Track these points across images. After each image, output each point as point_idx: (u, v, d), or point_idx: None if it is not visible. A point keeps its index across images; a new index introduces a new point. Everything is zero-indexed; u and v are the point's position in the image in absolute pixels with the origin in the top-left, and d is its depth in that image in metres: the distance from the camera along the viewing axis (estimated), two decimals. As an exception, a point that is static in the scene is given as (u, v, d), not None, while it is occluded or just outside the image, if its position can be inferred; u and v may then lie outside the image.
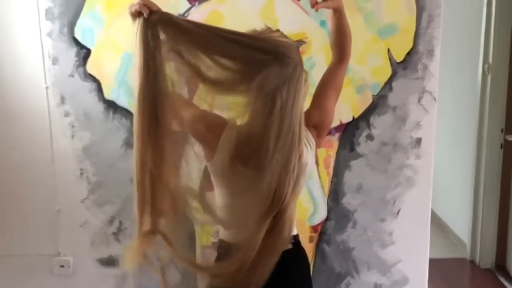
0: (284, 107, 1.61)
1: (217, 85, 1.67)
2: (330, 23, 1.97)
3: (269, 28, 1.71)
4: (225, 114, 1.77)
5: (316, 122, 1.87)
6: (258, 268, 1.62)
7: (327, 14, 2.49)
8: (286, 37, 1.72)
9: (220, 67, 1.64)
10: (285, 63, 1.62)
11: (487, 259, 4.00)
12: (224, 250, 1.79)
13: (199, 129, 1.74)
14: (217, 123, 1.73)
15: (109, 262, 2.73)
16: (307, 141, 1.80)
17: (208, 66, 1.64)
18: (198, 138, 1.76)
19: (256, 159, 1.62)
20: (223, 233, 1.81)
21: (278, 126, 1.60)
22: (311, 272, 2.67)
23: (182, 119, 1.73)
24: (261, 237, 1.61)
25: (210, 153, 1.74)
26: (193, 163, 1.76)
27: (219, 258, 1.81)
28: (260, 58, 1.62)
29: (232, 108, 1.74)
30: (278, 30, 1.72)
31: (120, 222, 2.70)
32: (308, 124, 1.81)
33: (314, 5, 1.82)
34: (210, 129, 1.73)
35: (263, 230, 1.62)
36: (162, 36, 1.60)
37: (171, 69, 1.63)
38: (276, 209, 1.62)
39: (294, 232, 1.86)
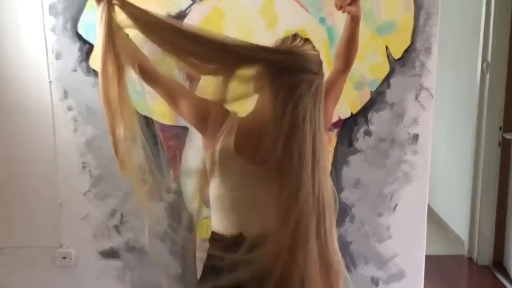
0: (316, 125, 1.65)
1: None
2: (343, 32, 1.96)
3: (300, 38, 1.72)
4: (229, 106, 1.79)
5: None
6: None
7: (326, 11, 2.55)
8: (314, 48, 1.74)
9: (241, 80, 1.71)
10: (311, 79, 1.65)
11: (484, 256, 4.01)
12: (216, 242, 1.80)
13: (197, 118, 1.77)
14: (219, 113, 1.74)
15: (111, 254, 2.77)
16: None
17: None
18: (197, 126, 1.79)
19: (270, 160, 1.64)
20: (215, 226, 1.84)
21: (313, 143, 1.64)
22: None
23: (180, 106, 1.78)
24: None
25: (210, 142, 1.75)
26: None
27: (212, 250, 1.82)
28: (288, 75, 1.64)
29: (238, 101, 1.77)
30: (308, 40, 1.72)
31: (121, 215, 2.74)
32: None
33: (340, 7, 1.84)
34: (209, 118, 1.74)
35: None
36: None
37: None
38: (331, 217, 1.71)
39: None
